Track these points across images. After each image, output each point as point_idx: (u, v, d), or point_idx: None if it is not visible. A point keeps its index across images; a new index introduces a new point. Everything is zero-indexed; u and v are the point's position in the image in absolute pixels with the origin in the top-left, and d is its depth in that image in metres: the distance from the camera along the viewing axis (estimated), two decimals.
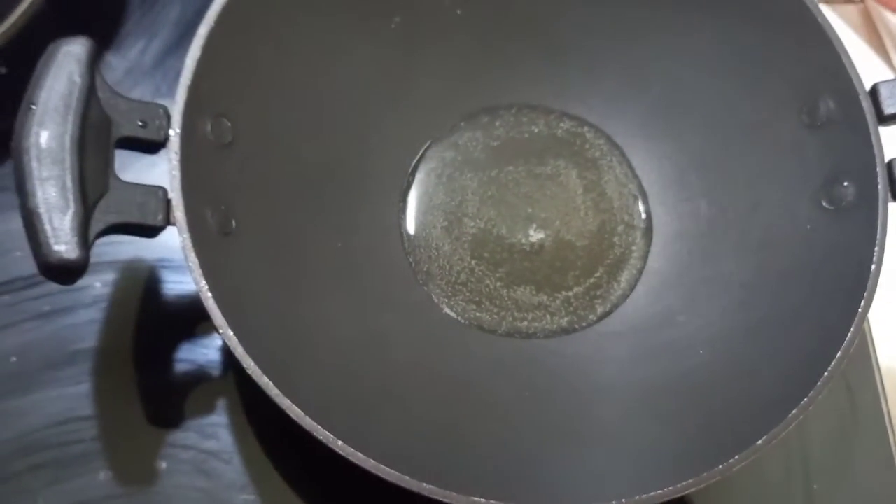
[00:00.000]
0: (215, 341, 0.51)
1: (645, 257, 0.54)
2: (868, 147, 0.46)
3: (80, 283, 0.40)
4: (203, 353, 0.51)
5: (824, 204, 0.48)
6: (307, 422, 0.39)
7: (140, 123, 0.42)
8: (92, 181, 0.40)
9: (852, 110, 0.47)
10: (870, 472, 0.54)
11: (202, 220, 0.42)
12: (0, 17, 0.50)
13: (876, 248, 0.44)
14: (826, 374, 0.42)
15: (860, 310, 0.44)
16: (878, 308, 0.49)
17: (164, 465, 0.49)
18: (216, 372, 0.51)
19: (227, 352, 0.50)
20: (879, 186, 0.45)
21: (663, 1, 0.52)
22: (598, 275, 0.54)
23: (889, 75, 0.84)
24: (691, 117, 0.54)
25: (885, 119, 0.47)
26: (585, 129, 0.56)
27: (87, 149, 0.40)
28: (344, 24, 0.50)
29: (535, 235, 0.54)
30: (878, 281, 0.44)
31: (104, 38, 0.58)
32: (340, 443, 0.39)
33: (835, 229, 0.48)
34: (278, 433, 0.44)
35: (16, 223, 0.39)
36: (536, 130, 0.56)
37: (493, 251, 0.54)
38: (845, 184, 0.47)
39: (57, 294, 0.51)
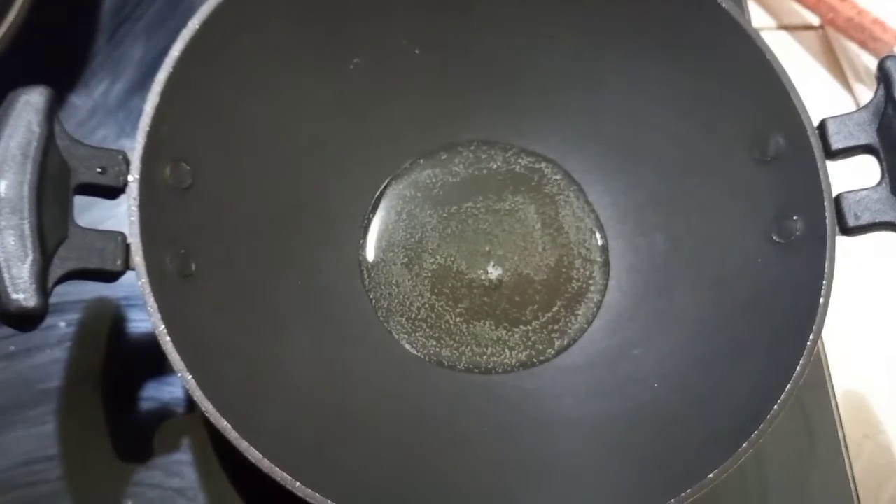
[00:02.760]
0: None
1: (602, 291, 0.55)
2: (816, 182, 0.47)
3: (45, 323, 0.41)
4: (168, 390, 0.52)
5: (775, 238, 0.49)
6: (265, 464, 0.40)
7: (99, 170, 0.43)
8: (51, 229, 0.41)
9: (801, 146, 0.47)
10: (827, 501, 0.54)
11: (161, 265, 0.43)
12: None
13: (824, 282, 0.45)
14: (776, 407, 0.43)
15: (809, 342, 0.44)
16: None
17: (129, 503, 0.49)
18: (181, 409, 0.51)
19: None
20: (827, 221, 0.46)
21: (619, 43, 0.53)
22: (555, 309, 0.54)
23: (847, 100, 0.86)
24: (646, 153, 0.55)
25: (832, 154, 0.48)
26: (543, 164, 0.57)
27: (45, 196, 0.41)
28: (303, 65, 0.51)
29: (494, 271, 0.55)
30: (826, 314, 0.45)
31: (69, 77, 0.59)
32: (298, 484, 0.40)
33: (785, 263, 0.48)
34: (245, 467, 0.44)
35: None
36: (495, 167, 0.57)
37: (452, 287, 0.55)
38: (794, 218, 0.48)
39: (22, 334, 0.51)
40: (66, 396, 0.51)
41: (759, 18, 0.87)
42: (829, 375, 0.57)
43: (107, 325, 0.53)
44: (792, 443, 0.55)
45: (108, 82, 0.59)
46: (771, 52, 0.48)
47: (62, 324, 0.52)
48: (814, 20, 0.87)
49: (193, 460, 0.51)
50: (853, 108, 0.84)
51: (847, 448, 0.56)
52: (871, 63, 0.84)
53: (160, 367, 0.52)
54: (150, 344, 0.52)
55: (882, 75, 0.48)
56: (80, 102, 0.58)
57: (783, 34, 0.86)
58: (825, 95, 0.84)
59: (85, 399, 0.51)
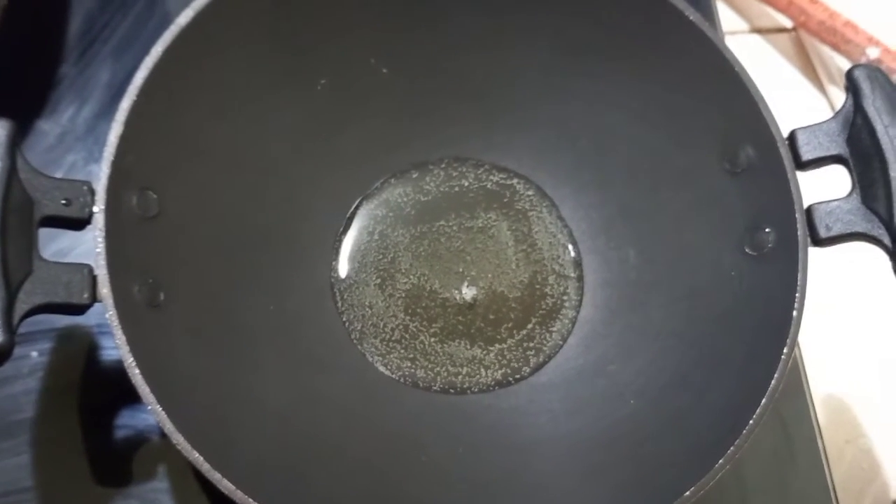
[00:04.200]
0: None
1: (577, 307, 0.55)
2: (787, 193, 0.46)
3: (17, 353, 0.41)
4: (143, 417, 0.51)
5: (747, 250, 0.49)
6: (238, 495, 0.40)
7: (63, 202, 0.42)
8: (15, 263, 0.40)
9: (771, 157, 0.47)
10: None
11: (129, 296, 0.43)
12: None
13: (797, 294, 0.45)
14: (751, 422, 0.43)
15: (784, 355, 0.44)
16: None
17: None
18: (156, 436, 0.51)
19: None
20: (799, 232, 0.46)
21: (588, 57, 0.53)
22: (530, 326, 0.54)
23: (822, 102, 0.86)
24: (617, 167, 0.55)
25: (803, 165, 0.48)
26: (515, 180, 0.57)
27: (9, 231, 0.40)
28: (270, 88, 0.51)
29: (468, 289, 0.55)
30: (800, 325, 0.45)
31: (36, 102, 0.58)
32: None
33: (758, 275, 0.48)
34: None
35: None
36: (466, 184, 0.57)
37: (426, 307, 0.54)
38: (767, 230, 0.48)
39: None
40: (40, 427, 0.51)
41: (730, 22, 0.87)
42: (807, 381, 0.57)
43: (80, 353, 0.53)
44: (771, 450, 0.55)
45: (75, 107, 0.58)
46: (739, 64, 0.48)
47: (34, 353, 0.52)
48: (786, 23, 0.87)
49: (170, 488, 0.50)
50: (827, 110, 0.84)
51: (826, 455, 0.56)
52: (845, 65, 0.84)
53: (134, 394, 0.51)
54: (123, 372, 0.52)
55: (850, 85, 0.48)
56: (48, 128, 0.57)
57: (755, 37, 0.86)
58: (799, 98, 0.84)
59: (59, 429, 0.51)
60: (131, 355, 0.40)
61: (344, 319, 0.54)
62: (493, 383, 0.53)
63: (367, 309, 0.54)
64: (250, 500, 0.40)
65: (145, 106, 0.44)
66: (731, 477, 0.52)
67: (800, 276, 0.45)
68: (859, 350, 0.75)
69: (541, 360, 0.54)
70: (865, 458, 0.71)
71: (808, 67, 0.86)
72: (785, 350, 0.44)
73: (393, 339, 0.53)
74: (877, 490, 0.72)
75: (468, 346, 0.53)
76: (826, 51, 0.85)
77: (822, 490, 0.54)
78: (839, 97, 0.83)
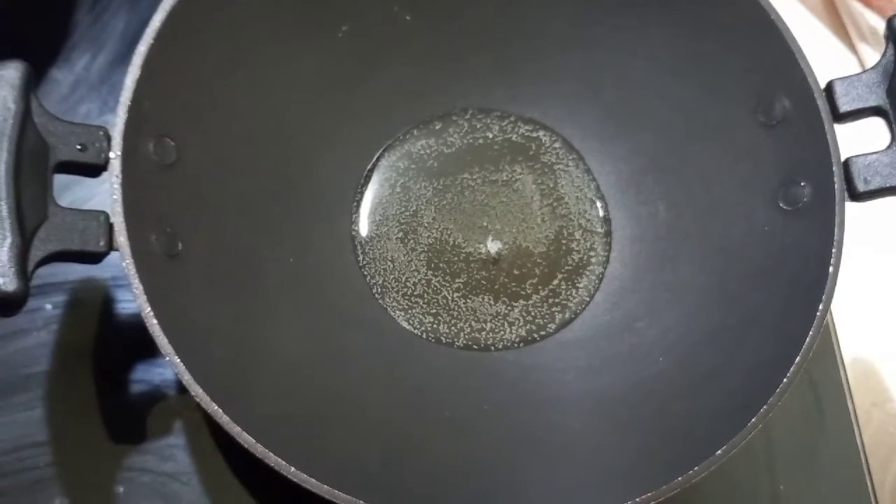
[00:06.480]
0: None
1: (604, 263, 0.53)
2: (824, 146, 0.45)
3: (31, 305, 0.40)
4: (159, 372, 0.50)
5: (781, 205, 0.47)
6: (258, 449, 0.39)
7: (79, 147, 0.41)
8: (30, 209, 0.39)
9: (807, 109, 0.46)
10: (836, 470, 0.54)
11: (146, 244, 0.42)
12: None
13: (833, 249, 0.44)
14: (785, 380, 0.42)
15: (819, 312, 0.43)
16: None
17: (121, 489, 0.48)
18: (173, 392, 0.50)
19: None
20: (836, 186, 0.45)
21: (616, 4, 0.51)
22: (556, 282, 0.53)
23: (851, 62, 0.84)
24: (647, 119, 0.53)
25: (840, 117, 0.46)
26: (541, 132, 0.55)
27: (23, 176, 0.39)
28: (290, 35, 0.50)
29: (492, 244, 0.54)
30: (836, 282, 0.44)
31: (49, 50, 0.57)
32: (293, 469, 0.39)
33: (792, 230, 0.47)
34: (241, 448, 0.43)
35: None
36: (491, 136, 0.55)
37: (449, 261, 0.53)
38: (802, 184, 0.47)
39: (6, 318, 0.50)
40: (54, 381, 0.50)
41: None
42: (838, 343, 0.56)
43: (94, 306, 0.52)
44: (800, 411, 0.54)
45: (89, 55, 0.57)
46: (776, 13, 0.47)
47: (48, 306, 0.51)
48: None
49: (186, 444, 0.50)
50: (858, 69, 0.82)
51: (856, 416, 0.55)
52: (876, 22, 0.82)
53: (150, 348, 0.50)
54: (139, 325, 0.51)
55: (890, 34, 0.46)
56: (62, 77, 0.56)
57: None
58: (829, 57, 0.82)
59: (73, 383, 0.50)
60: (149, 305, 0.39)
61: (365, 273, 0.53)
62: (517, 340, 0.52)
63: (389, 263, 0.53)
64: (270, 453, 0.39)
65: (162, 50, 0.43)
66: (759, 437, 0.52)
67: (836, 230, 0.44)
68: (890, 311, 0.73)
69: (567, 316, 0.52)
70: (893, 422, 0.70)
71: (839, 25, 0.83)
72: (820, 307, 0.43)
73: (415, 293, 0.52)
74: None
75: (492, 302, 0.52)
76: (857, 7, 0.83)
77: (852, 452, 0.54)
78: (870, 55, 0.81)
